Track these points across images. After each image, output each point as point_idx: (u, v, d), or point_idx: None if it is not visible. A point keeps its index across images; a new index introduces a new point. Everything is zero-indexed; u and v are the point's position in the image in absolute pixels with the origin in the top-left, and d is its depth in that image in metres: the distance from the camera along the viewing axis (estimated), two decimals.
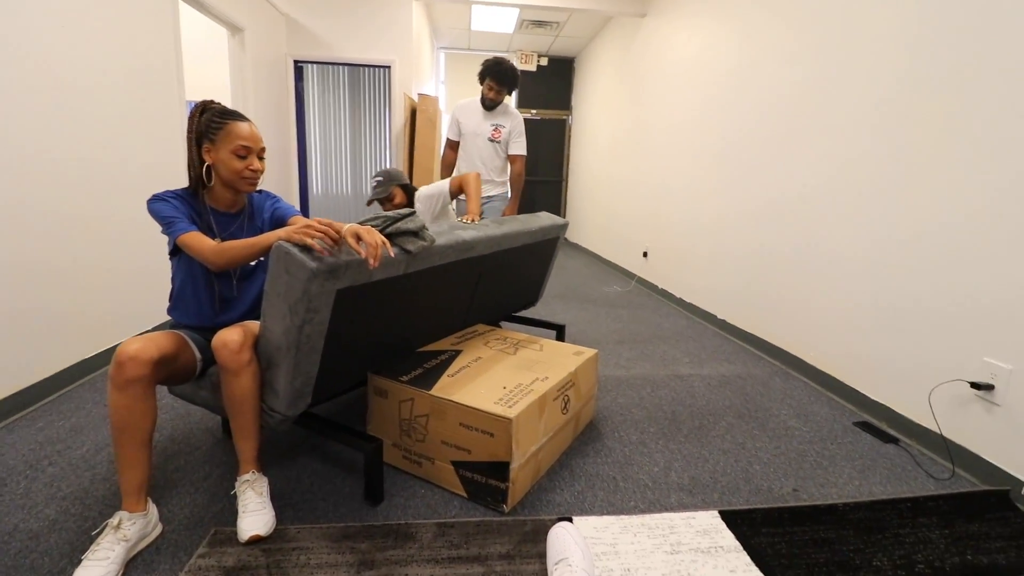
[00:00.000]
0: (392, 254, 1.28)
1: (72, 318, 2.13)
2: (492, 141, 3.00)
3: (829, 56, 2.39)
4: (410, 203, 2.50)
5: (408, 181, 2.54)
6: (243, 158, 1.40)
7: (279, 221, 1.54)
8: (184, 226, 1.32)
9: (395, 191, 2.46)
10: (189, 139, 1.40)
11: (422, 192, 2.57)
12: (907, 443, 1.89)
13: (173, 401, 2.01)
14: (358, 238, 1.25)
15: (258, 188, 1.53)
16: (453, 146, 3.12)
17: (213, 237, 1.43)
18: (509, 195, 3.13)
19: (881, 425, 2.03)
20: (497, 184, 3.07)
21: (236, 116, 1.42)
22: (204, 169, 1.40)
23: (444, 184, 2.56)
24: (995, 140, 1.65)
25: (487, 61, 2.88)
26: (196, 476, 1.53)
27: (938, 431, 1.80)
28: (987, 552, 1.34)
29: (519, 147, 3.03)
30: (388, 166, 5.09)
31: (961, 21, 1.78)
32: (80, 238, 2.16)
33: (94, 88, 2.24)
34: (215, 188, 1.44)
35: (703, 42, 3.65)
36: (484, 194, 3.01)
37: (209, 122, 1.39)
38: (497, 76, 2.86)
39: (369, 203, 2.51)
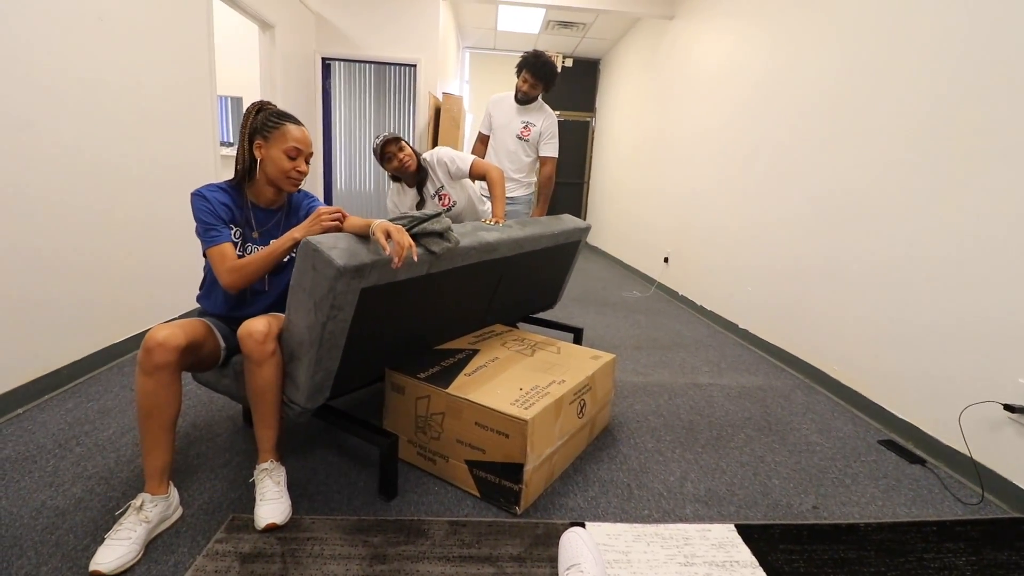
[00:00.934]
0: (416, 258, 1.30)
1: (103, 304, 2.20)
2: (520, 139, 2.92)
3: (865, 63, 2.35)
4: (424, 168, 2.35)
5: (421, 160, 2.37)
6: (293, 159, 1.45)
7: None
8: (214, 236, 1.37)
9: (404, 146, 2.28)
10: (242, 134, 1.45)
11: (443, 153, 2.40)
12: (934, 464, 1.85)
13: (196, 388, 2.06)
14: (387, 235, 1.27)
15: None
16: (484, 140, 3.08)
17: (251, 231, 1.48)
18: (534, 199, 3.06)
19: (907, 445, 1.98)
20: (522, 185, 3.00)
21: (292, 119, 1.48)
22: (252, 164, 1.46)
23: (468, 158, 2.39)
24: None
25: (526, 53, 2.83)
26: (216, 463, 1.57)
27: (968, 453, 1.75)
28: None
29: (550, 148, 2.94)
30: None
31: (1008, 29, 1.73)
32: (113, 230, 2.23)
33: (128, 84, 2.31)
34: (259, 184, 1.49)
35: (733, 46, 3.61)
36: (507, 194, 2.97)
37: (266, 120, 1.44)
38: (534, 69, 2.79)
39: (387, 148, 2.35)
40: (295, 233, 1.36)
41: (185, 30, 2.71)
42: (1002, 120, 1.72)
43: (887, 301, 2.15)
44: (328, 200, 5.33)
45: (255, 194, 1.50)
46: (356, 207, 5.99)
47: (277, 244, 1.37)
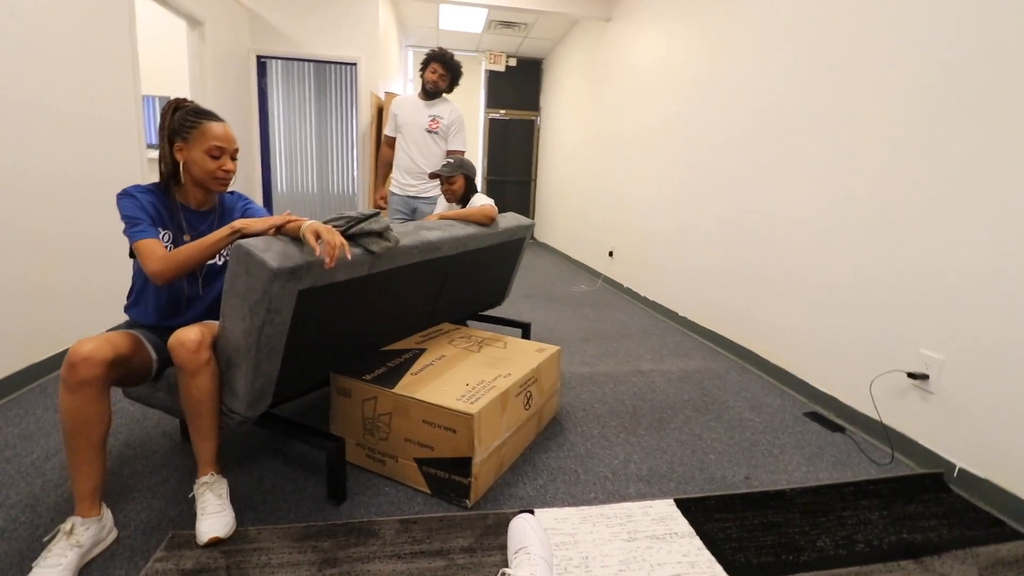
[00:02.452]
0: (349, 257, 1.29)
1: (20, 323, 2.05)
2: (429, 132, 2.94)
3: (799, 71, 2.50)
4: (468, 196, 2.42)
5: (472, 172, 2.46)
6: (216, 158, 1.40)
7: None
8: (143, 230, 1.31)
9: (459, 178, 2.39)
10: (161, 135, 1.39)
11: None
12: (852, 431, 2.01)
13: (129, 405, 1.96)
14: (317, 236, 1.25)
15: (229, 189, 1.52)
16: (390, 142, 3.10)
17: (182, 234, 1.43)
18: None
19: (829, 415, 2.14)
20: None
21: (211, 116, 1.41)
22: (175, 167, 1.39)
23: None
24: (941, 129, 1.77)
25: (431, 50, 2.89)
26: (153, 481, 1.51)
27: (879, 419, 1.92)
28: (921, 530, 1.44)
29: (458, 141, 2.97)
30: (356, 162, 5.03)
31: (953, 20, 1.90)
32: (30, 239, 2.08)
33: (42, 85, 2.16)
34: (186, 186, 1.43)
35: (669, 49, 3.75)
36: (426, 194, 2.99)
37: (183, 120, 1.38)
38: (443, 60, 2.84)
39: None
40: (237, 224, 1.29)
41: (105, 26, 2.55)
42: (901, 105, 1.89)
43: (799, 267, 2.31)
44: (268, 204, 5.15)
45: (184, 196, 1.45)
46: (298, 210, 5.81)
47: (216, 234, 1.29)
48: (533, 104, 7.80)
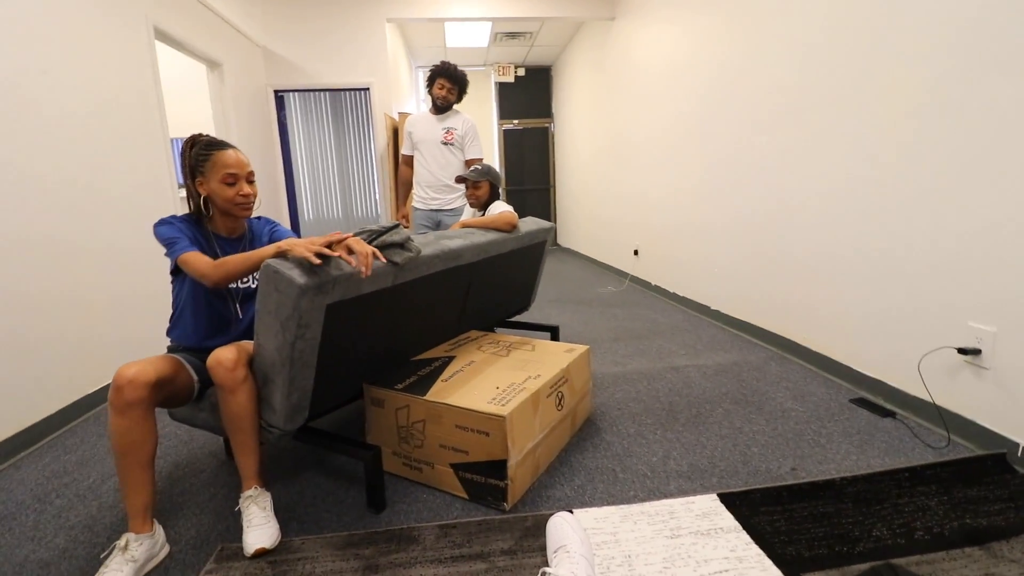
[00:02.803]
0: (384, 260, 1.33)
1: (73, 355, 2.17)
2: (446, 144, 3.02)
3: (815, 47, 2.47)
4: (490, 203, 2.48)
5: (500, 185, 2.54)
6: (232, 185, 1.46)
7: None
8: (184, 246, 1.38)
9: (484, 184, 2.47)
10: (184, 173, 1.47)
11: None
12: (903, 416, 1.93)
13: (176, 428, 2.04)
14: (349, 250, 1.30)
15: (255, 214, 1.59)
16: (407, 160, 3.18)
17: None
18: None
19: (877, 400, 2.06)
20: (458, 191, 3.08)
21: (220, 146, 1.47)
22: (201, 200, 1.47)
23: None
24: (965, 91, 1.71)
25: (434, 66, 2.97)
26: (201, 497, 1.57)
27: (931, 400, 1.84)
28: (986, 515, 1.36)
29: (475, 150, 3.05)
30: (376, 183, 5.16)
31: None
32: (79, 286, 2.21)
33: (76, 130, 2.30)
34: (215, 217, 1.51)
35: (677, 40, 3.73)
36: (449, 206, 3.06)
37: (197, 156, 1.46)
38: (447, 75, 2.92)
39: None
40: (281, 244, 1.33)
41: (130, 77, 2.71)
42: (922, 76, 1.83)
43: (840, 252, 2.24)
44: (296, 232, 5.31)
45: (215, 226, 1.52)
46: (325, 234, 5.97)
47: (264, 250, 1.34)
48: (545, 111, 7.86)
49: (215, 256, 1.49)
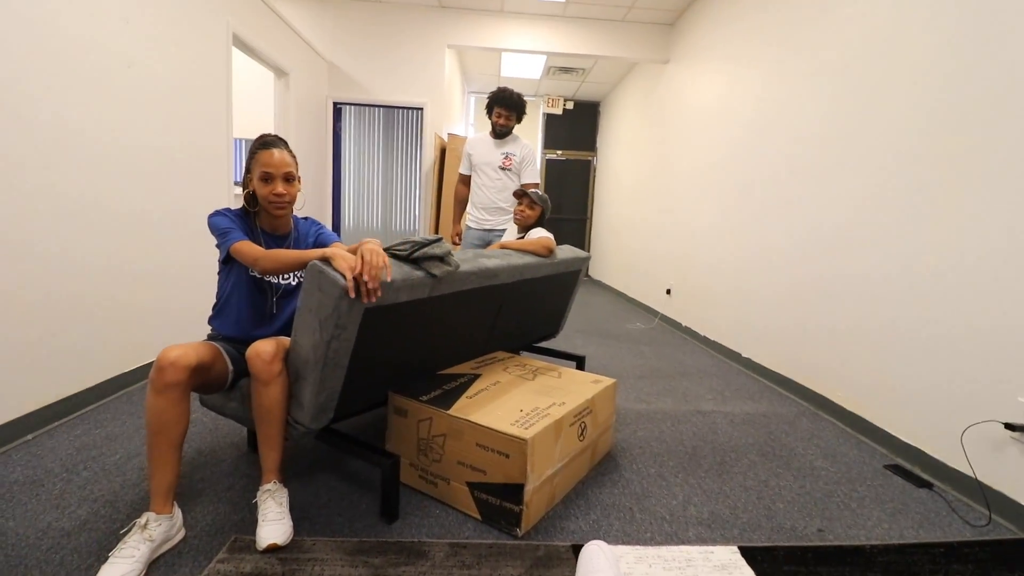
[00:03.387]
0: (389, 278, 1.33)
1: (114, 336, 2.25)
2: (503, 169, 3.08)
3: (850, 97, 2.45)
4: (535, 224, 2.50)
5: (548, 211, 2.56)
6: (267, 183, 1.50)
7: (321, 247, 1.65)
8: (237, 235, 1.44)
9: (539, 208, 2.49)
10: (246, 168, 1.54)
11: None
12: (941, 488, 1.82)
13: (202, 415, 2.08)
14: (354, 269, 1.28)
15: (301, 213, 1.65)
16: (465, 180, 3.25)
17: None
18: None
19: (913, 469, 1.96)
20: (510, 214, 3.11)
21: (266, 144, 1.52)
22: (248, 196, 1.53)
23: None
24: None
25: (492, 92, 3.04)
26: (220, 487, 1.59)
27: (973, 475, 1.74)
28: None
29: (531, 174, 3.10)
30: (419, 201, 5.27)
31: (973, 62, 1.82)
32: (125, 267, 2.31)
33: (152, 130, 2.45)
34: (262, 213, 1.57)
35: (724, 86, 3.76)
36: (500, 227, 3.10)
37: (251, 153, 1.53)
38: (505, 103, 2.99)
39: (516, 194, 2.59)
40: (327, 251, 1.34)
41: (206, 77, 2.88)
42: (988, 140, 1.79)
43: (887, 323, 2.16)
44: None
45: (263, 223, 1.58)
46: None
47: (312, 252, 1.37)
48: (590, 145, 7.95)
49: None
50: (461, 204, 3.32)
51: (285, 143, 1.56)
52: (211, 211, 1.57)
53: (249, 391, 1.41)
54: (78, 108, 2.02)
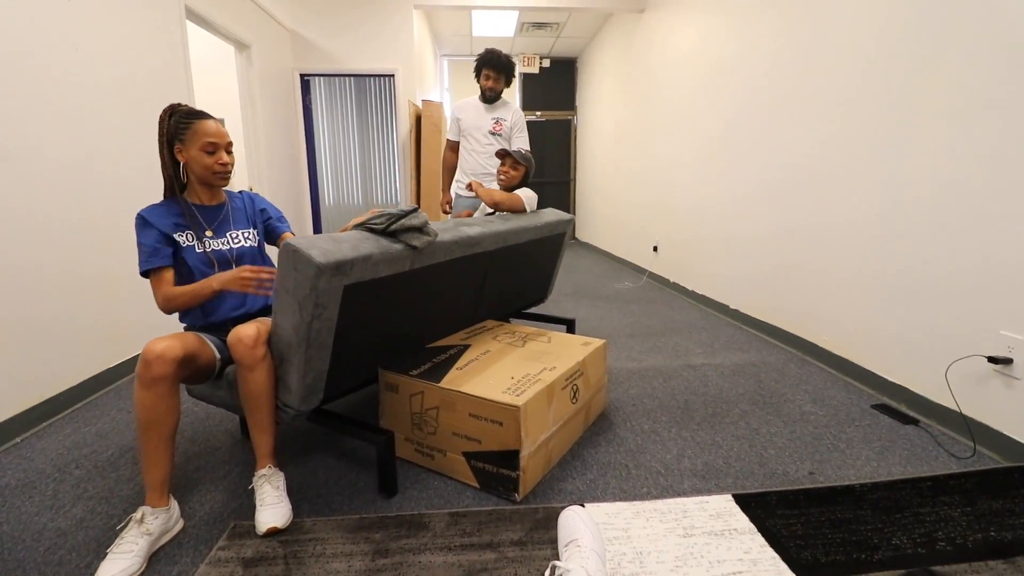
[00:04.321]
0: (270, 295, 1.37)
1: (96, 329, 2.20)
2: (494, 135, 3.01)
3: (823, 29, 2.38)
4: (517, 184, 2.43)
5: (532, 170, 2.48)
6: (211, 153, 1.47)
7: (272, 231, 1.68)
8: (146, 260, 1.42)
9: (522, 168, 2.42)
10: (161, 142, 1.47)
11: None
12: (927, 424, 1.86)
13: (193, 405, 2.06)
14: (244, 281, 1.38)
15: (236, 186, 1.62)
16: (453, 147, 3.16)
17: (203, 232, 1.52)
18: None
19: (900, 407, 2.00)
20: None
21: (201, 115, 1.49)
22: (176, 168, 1.49)
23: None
24: (996, 96, 1.63)
25: (480, 54, 2.94)
26: (216, 475, 1.58)
27: (957, 409, 1.77)
28: (1012, 528, 1.31)
29: (522, 141, 3.04)
30: (398, 172, 5.16)
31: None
32: (101, 254, 2.24)
33: (104, 107, 2.32)
34: (193, 185, 1.53)
35: (697, 33, 3.65)
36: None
37: (178, 123, 1.46)
38: (493, 64, 2.90)
39: (499, 153, 2.50)
40: (213, 283, 1.40)
41: (161, 55, 2.73)
42: (964, 67, 1.75)
43: (868, 263, 2.17)
44: (316, 218, 5.34)
45: (193, 196, 1.54)
46: (344, 220, 5.98)
47: (201, 285, 1.41)
48: (569, 104, 7.77)
49: (200, 227, 1.51)
50: (450, 171, 3.24)
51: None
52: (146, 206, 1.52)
53: (235, 378, 1.38)
54: (18, 98, 1.90)
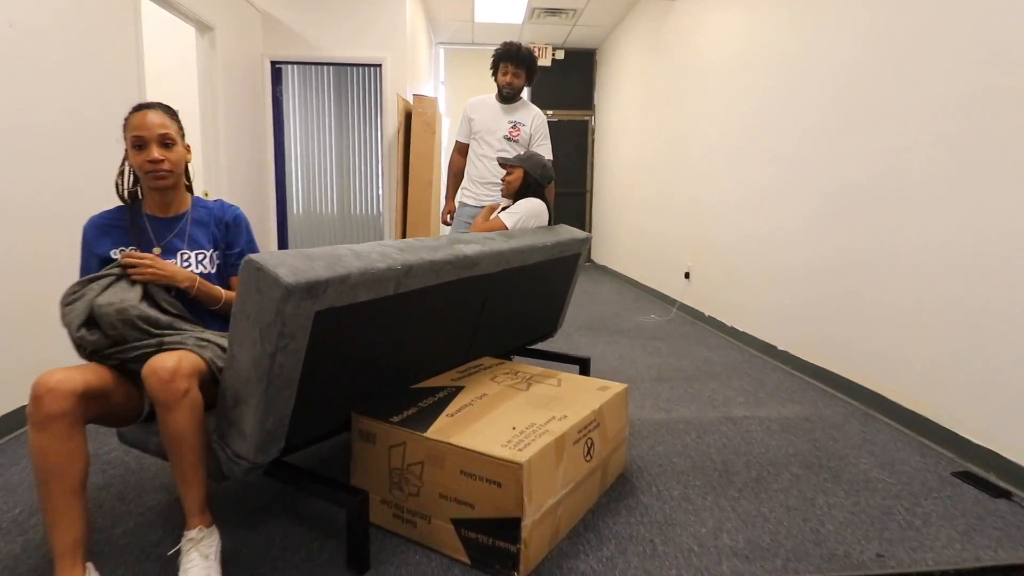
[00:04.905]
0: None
1: (9, 359, 2.19)
2: (509, 140, 3.07)
3: (902, 30, 2.43)
4: (521, 191, 2.49)
5: (550, 181, 2.55)
6: (140, 149, 1.49)
7: (224, 267, 1.68)
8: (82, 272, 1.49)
9: (517, 171, 2.46)
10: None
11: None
12: (1022, 498, 1.83)
13: (123, 453, 2.04)
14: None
15: (201, 191, 1.63)
16: (462, 149, 3.24)
17: (150, 246, 1.56)
18: None
19: (988, 475, 1.97)
20: None
21: (138, 108, 1.53)
22: (131, 175, 1.55)
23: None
24: None
25: (498, 48, 3.02)
26: (147, 541, 1.55)
27: None
28: None
29: (544, 152, 3.09)
30: (381, 178, 5.23)
31: None
32: (26, 265, 2.24)
33: (43, 94, 2.37)
34: (146, 193, 1.58)
35: (745, 26, 3.74)
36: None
37: (124, 121, 1.52)
38: (514, 57, 2.97)
39: (501, 164, 2.58)
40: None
41: (109, 35, 2.79)
42: None
43: (949, 299, 2.17)
44: (282, 228, 5.38)
45: (149, 205, 1.58)
46: (316, 233, 6.03)
47: None
48: (586, 102, 7.92)
49: (149, 242, 1.56)
50: (457, 176, 3.31)
51: (164, 106, 1.56)
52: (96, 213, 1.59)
53: None
54: None
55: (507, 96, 3.06)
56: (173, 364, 1.29)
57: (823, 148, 2.92)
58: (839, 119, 2.80)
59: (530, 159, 2.49)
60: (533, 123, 3.09)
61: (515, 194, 2.49)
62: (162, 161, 1.50)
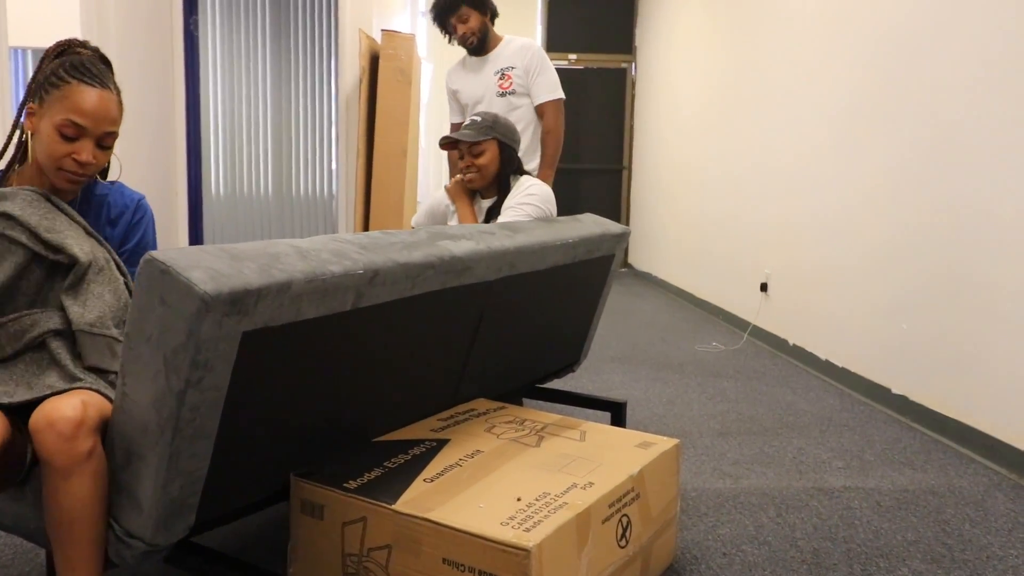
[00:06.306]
0: None
1: None
2: (506, 95, 3.21)
3: None
4: (503, 172, 2.56)
5: (516, 144, 2.61)
6: (70, 140, 1.49)
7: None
8: None
9: (488, 146, 2.51)
10: (27, 91, 1.54)
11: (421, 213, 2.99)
12: None
13: None
14: None
15: (112, 181, 1.66)
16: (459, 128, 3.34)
17: None
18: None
19: None
20: (533, 159, 3.24)
21: (90, 75, 1.52)
22: (19, 136, 1.55)
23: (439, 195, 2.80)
24: None
25: (430, 8, 3.21)
26: None
27: None
28: None
29: (545, 88, 3.22)
30: (335, 146, 5.24)
31: None
32: None
33: None
34: (29, 170, 1.58)
35: None
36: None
37: (53, 72, 1.51)
38: (451, 7, 3.13)
39: (443, 145, 2.63)
40: None
41: None
42: None
43: None
44: (196, 212, 5.41)
45: (30, 178, 1.58)
46: (243, 219, 6.04)
47: None
48: (623, 44, 7.98)
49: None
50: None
51: (112, 75, 1.58)
52: None
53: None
54: None
55: (475, 48, 3.22)
56: (76, 414, 1.29)
57: (960, 130, 2.94)
58: (981, 95, 2.82)
59: (496, 122, 2.52)
60: (524, 60, 3.21)
61: (494, 181, 2.53)
62: (90, 165, 1.52)
